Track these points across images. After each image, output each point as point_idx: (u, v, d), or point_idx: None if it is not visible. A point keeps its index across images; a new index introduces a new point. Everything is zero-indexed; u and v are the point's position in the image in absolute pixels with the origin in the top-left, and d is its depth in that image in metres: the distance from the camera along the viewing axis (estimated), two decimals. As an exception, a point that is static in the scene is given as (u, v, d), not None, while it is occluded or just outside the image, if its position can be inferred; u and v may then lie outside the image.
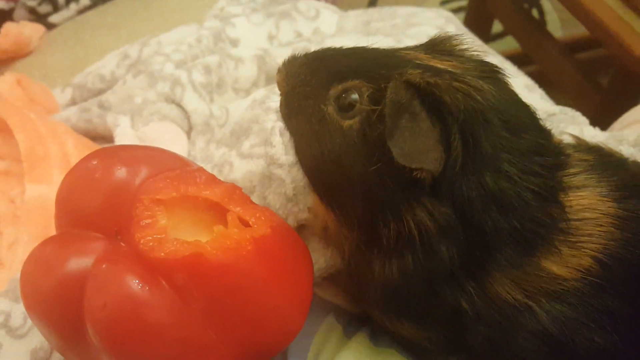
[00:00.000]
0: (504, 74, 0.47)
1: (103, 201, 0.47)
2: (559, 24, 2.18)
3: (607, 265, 0.45)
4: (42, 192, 0.71)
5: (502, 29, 1.82)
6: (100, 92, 0.91)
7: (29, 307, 0.46)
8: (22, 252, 0.66)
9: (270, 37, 0.87)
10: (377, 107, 0.44)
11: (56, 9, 1.17)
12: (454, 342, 0.50)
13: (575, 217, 0.46)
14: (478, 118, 0.42)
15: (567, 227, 0.45)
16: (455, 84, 0.43)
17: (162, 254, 0.43)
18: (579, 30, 1.77)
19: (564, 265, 0.45)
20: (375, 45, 0.51)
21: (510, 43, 1.79)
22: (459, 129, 0.42)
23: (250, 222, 0.47)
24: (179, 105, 0.77)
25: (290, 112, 0.50)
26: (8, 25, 1.05)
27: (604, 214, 0.46)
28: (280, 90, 0.51)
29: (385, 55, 0.48)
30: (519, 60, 1.85)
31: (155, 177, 0.48)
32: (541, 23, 1.84)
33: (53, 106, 0.91)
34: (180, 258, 0.43)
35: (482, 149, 0.42)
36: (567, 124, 0.73)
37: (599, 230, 0.46)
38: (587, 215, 0.46)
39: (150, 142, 0.74)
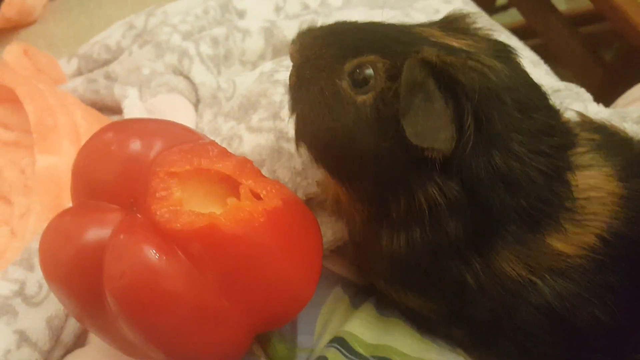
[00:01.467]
0: (517, 54, 0.48)
1: (119, 173, 0.49)
2: (563, -2, 2.17)
3: (610, 242, 0.47)
4: (53, 162, 0.72)
5: (507, 1, 1.81)
6: (106, 62, 0.91)
7: (48, 276, 0.48)
8: (34, 222, 0.67)
9: (277, 9, 0.87)
10: (392, 84, 0.44)
11: (59, -23, 1.16)
12: (457, 313, 0.52)
13: (582, 196, 0.47)
14: (492, 98, 0.43)
15: (573, 205, 0.46)
16: (471, 62, 0.43)
17: (178, 225, 0.45)
18: (583, 3, 1.75)
19: (568, 242, 0.47)
20: (382, 19, 0.52)
21: (515, 16, 1.78)
22: (473, 109, 0.42)
23: (262, 195, 0.48)
24: (187, 78, 0.77)
25: (302, 83, 0.50)
26: (11, -7, 1.04)
27: (608, 192, 0.48)
28: (293, 61, 0.51)
29: (401, 32, 0.48)
30: (522, 33, 1.85)
31: (169, 149, 0.49)
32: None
33: (60, 76, 0.91)
34: (196, 229, 0.44)
35: (494, 129, 0.43)
36: (572, 100, 0.73)
37: (604, 209, 0.47)
38: (593, 194, 0.48)
39: (158, 114, 0.75)
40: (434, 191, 0.44)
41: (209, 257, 0.45)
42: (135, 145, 0.49)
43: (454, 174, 0.44)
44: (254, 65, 0.81)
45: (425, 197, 0.45)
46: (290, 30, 0.79)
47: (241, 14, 0.86)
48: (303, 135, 0.52)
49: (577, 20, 1.83)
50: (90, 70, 0.92)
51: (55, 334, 0.59)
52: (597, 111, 0.75)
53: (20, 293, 0.59)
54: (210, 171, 0.50)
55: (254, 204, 0.47)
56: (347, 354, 0.52)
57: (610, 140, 0.54)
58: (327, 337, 0.56)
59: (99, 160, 0.50)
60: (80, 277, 0.46)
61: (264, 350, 0.54)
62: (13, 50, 0.88)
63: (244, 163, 0.51)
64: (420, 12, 0.81)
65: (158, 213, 0.45)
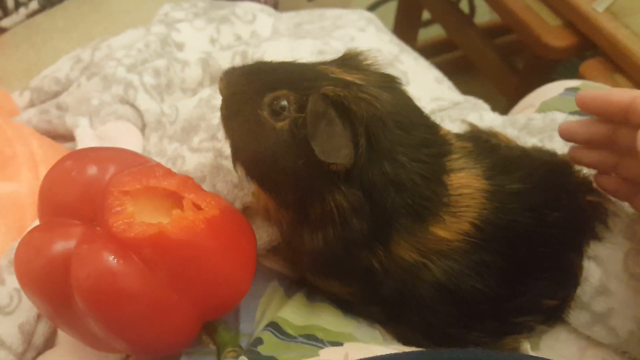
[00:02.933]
0: (401, 83, 0.59)
1: (80, 194, 0.57)
2: (488, 9, 2.32)
3: (481, 228, 0.58)
4: (14, 188, 0.79)
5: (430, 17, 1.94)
6: (56, 94, 0.99)
7: (23, 283, 0.55)
8: (0, 243, 0.75)
9: (212, 41, 0.97)
10: (301, 113, 0.54)
11: (6, 13, 1.22)
12: (371, 294, 0.61)
13: (456, 193, 0.58)
14: (377, 121, 0.53)
15: (448, 200, 0.57)
16: (361, 94, 0.54)
17: (132, 234, 0.53)
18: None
19: (447, 230, 0.57)
20: (304, 47, 0.63)
21: (438, 30, 1.92)
22: (364, 131, 0.53)
23: (202, 206, 0.57)
24: (133, 106, 0.86)
25: (230, 114, 0.60)
26: (-39, 32, 1.10)
27: (477, 189, 0.59)
28: (221, 95, 0.61)
29: (307, 70, 0.58)
30: (445, 46, 2.00)
31: (121, 172, 0.58)
32: (471, 8, 1.96)
33: (13, 109, 0.98)
34: (147, 237, 0.53)
35: (380, 144, 0.53)
36: (469, 111, 0.86)
37: (474, 202, 0.58)
38: (465, 191, 0.58)
39: (109, 140, 0.83)
40: (340, 197, 0.54)
41: (159, 259, 0.53)
42: (92, 170, 0.58)
43: (355, 182, 0.54)
44: (194, 92, 0.90)
45: (334, 202, 0.55)
46: (224, 60, 0.89)
47: (180, 47, 0.95)
48: (236, 156, 0.61)
49: (496, 31, 1.97)
50: (42, 102, 0.99)
51: (27, 338, 0.66)
52: (492, 119, 0.87)
53: (-8, 304, 0.67)
54: (158, 188, 0.58)
55: (195, 213, 0.56)
56: (279, 335, 0.59)
57: (481, 147, 0.65)
58: (264, 323, 0.65)
59: (62, 185, 0.58)
60: (51, 283, 0.53)
61: (211, 337, 0.62)
62: (-31, 86, 0.94)
63: (186, 180, 0.60)
64: (338, 41, 0.91)
65: (114, 225, 0.53)
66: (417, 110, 0.60)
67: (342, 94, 0.53)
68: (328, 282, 0.63)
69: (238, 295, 0.60)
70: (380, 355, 0.49)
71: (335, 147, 0.52)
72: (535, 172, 0.64)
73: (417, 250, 0.57)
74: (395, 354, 0.49)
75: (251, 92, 0.58)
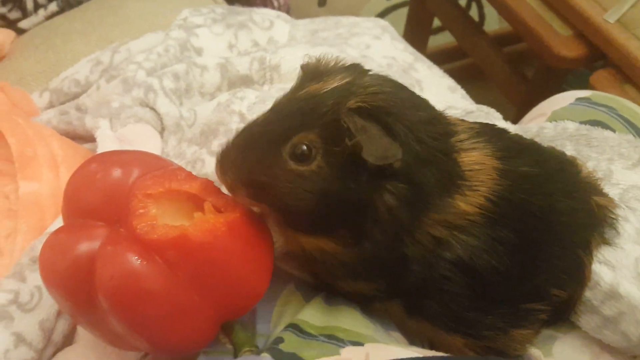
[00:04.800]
0: (367, 69, 0.61)
1: (104, 197, 0.58)
2: (497, 18, 2.34)
3: (496, 203, 0.58)
4: (35, 188, 0.81)
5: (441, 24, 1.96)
6: (75, 95, 1.01)
7: (48, 283, 0.57)
8: (22, 241, 0.76)
9: (230, 46, 0.99)
10: (329, 144, 0.54)
11: (25, 15, 1.24)
12: (396, 286, 0.62)
13: (468, 169, 0.59)
14: (395, 108, 0.55)
15: (464, 175, 0.58)
16: (368, 90, 0.55)
17: (155, 236, 0.54)
18: (510, 24, 1.90)
19: (468, 203, 0.58)
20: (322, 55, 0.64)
21: (447, 37, 1.94)
22: (392, 121, 0.54)
23: (223, 209, 0.59)
24: (153, 109, 0.87)
25: (257, 190, 0.58)
26: (-19, 32, 1.12)
27: (489, 166, 0.59)
28: (226, 184, 0.59)
29: (295, 105, 0.58)
30: (455, 54, 2.02)
31: (144, 175, 0.59)
32: (480, 16, 1.97)
33: (33, 110, 1.00)
34: (170, 239, 0.54)
35: (406, 128, 0.54)
36: (482, 120, 0.86)
37: (487, 178, 0.59)
38: (477, 167, 0.59)
39: (128, 142, 0.85)
40: (390, 195, 0.55)
41: (181, 261, 0.54)
42: (117, 173, 0.59)
43: (398, 173, 0.55)
44: (212, 96, 0.92)
45: (384, 204, 0.55)
46: (242, 66, 0.90)
47: (198, 51, 0.97)
48: (288, 222, 0.60)
49: (505, 39, 1.99)
50: (62, 103, 1.01)
51: (47, 335, 0.68)
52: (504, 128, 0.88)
53: (15, 301, 0.68)
54: (180, 191, 0.60)
55: (216, 216, 0.57)
56: (300, 334, 0.60)
57: (488, 129, 0.66)
58: (281, 326, 0.65)
59: (87, 187, 0.59)
60: (75, 283, 0.55)
61: (228, 336, 0.63)
62: (-11, 87, 0.96)
63: (207, 183, 0.61)
64: (354, 48, 0.93)
65: (138, 227, 0.55)
66: (410, 91, 0.61)
67: (363, 100, 0.54)
68: (356, 284, 0.64)
69: (256, 296, 0.62)
70: (403, 358, 0.50)
71: (383, 149, 0.52)
72: (547, 161, 0.66)
73: (444, 226, 0.58)
74: (417, 358, 0.50)
75: (264, 157, 0.57)
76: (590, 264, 0.65)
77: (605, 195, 0.69)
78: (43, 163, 0.83)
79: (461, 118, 0.67)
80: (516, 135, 0.70)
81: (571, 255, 0.64)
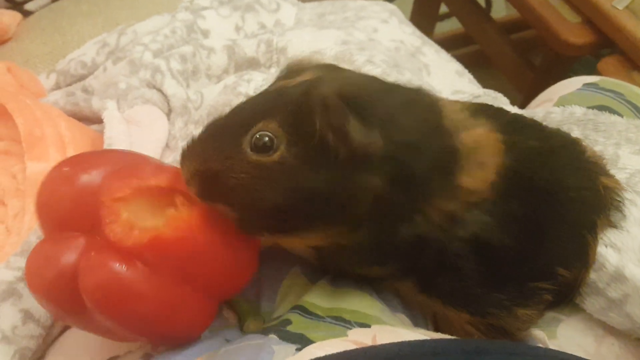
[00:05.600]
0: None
1: (73, 206, 0.56)
2: (503, 4, 2.33)
3: (506, 177, 0.57)
4: (42, 168, 0.81)
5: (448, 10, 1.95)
6: (82, 77, 1.01)
7: (36, 292, 0.56)
8: (29, 220, 0.77)
9: (237, 29, 0.98)
10: (293, 133, 0.51)
11: (31, -4, 1.24)
12: (410, 267, 0.61)
13: (473, 145, 0.57)
14: (367, 95, 0.53)
15: (466, 152, 0.57)
16: (337, 80, 0.53)
17: (130, 242, 0.53)
18: (518, 11, 1.89)
19: (474, 180, 0.57)
20: (327, 38, 0.63)
21: (457, 23, 1.93)
22: (366, 108, 0.52)
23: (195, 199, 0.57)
24: (160, 90, 0.87)
25: (211, 183, 0.55)
26: (-12, 14, 1.13)
27: (495, 140, 0.58)
28: (192, 183, 0.55)
29: (269, 97, 0.57)
30: (462, 40, 2.01)
31: (109, 177, 0.57)
32: (487, 3, 1.96)
33: (40, 91, 1.00)
34: (145, 243, 0.53)
35: (381, 115, 0.52)
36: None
37: (494, 151, 0.58)
38: (483, 142, 0.58)
39: (135, 123, 0.85)
40: (375, 179, 0.53)
41: (160, 261, 0.53)
42: (82, 179, 0.57)
43: (381, 159, 0.52)
44: (219, 78, 0.92)
45: (371, 189, 0.53)
46: (249, 48, 0.90)
47: (205, 34, 0.97)
48: (249, 223, 0.56)
49: (512, 26, 1.98)
50: (68, 85, 1.01)
51: (56, 314, 0.69)
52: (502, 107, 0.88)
53: (23, 278, 0.68)
54: (150, 187, 0.57)
55: (189, 209, 0.55)
56: (307, 315, 0.60)
57: (486, 108, 0.65)
58: (286, 305, 0.66)
59: (55, 199, 0.58)
60: (62, 291, 0.54)
61: (232, 309, 0.65)
62: (-2, 68, 0.96)
63: (177, 173, 0.58)
64: (361, 32, 0.93)
65: (111, 235, 0.54)
66: (383, 82, 0.60)
67: (333, 88, 0.52)
68: (371, 269, 0.63)
69: (247, 274, 0.61)
70: (409, 341, 0.50)
71: (360, 136, 0.50)
72: (550, 137, 0.65)
73: (455, 200, 0.57)
74: (425, 340, 0.50)
75: (224, 147, 0.54)
76: (595, 245, 0.64)
77: (611, 175, 0.69)
78: (51, 144, 0.84)
79: (463, 101, 0.67)
80: (516, 114, 0.69)
81: (577, 234, 0.63)
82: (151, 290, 0.54)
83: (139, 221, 0.55)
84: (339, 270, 0.67)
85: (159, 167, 0.60)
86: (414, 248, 0.59)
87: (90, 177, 0.57)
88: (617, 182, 0.69)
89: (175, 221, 0.54)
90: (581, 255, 0.64)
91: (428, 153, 0.55)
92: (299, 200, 0.53)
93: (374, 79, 0.59)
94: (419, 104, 0.58)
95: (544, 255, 0.62)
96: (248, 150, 0.52)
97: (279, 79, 0.60)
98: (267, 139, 0.52)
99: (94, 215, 0.55)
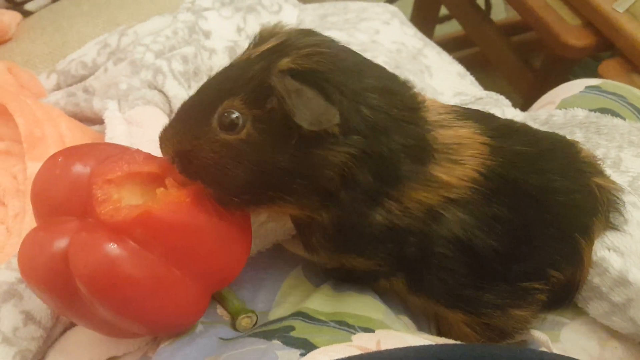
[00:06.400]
0: (319, 33, 0.59)
1: (67, 191, 0.58)
2: (503, 7, 2.33)
3: (488, 177, 0.57)
4: (43, 168, 0.81)
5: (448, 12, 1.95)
6: (83, 78, 1.00)
7: (29, 280, 0.57)
8: (30, 221, 0.76)
9: (239, 30, 0.98)
10: (257, 109, 0.52)
11: (32, -4, 1.24)
12: (395, 258, 0.61)
13: (454, 142, 0.57)
14: (336, 71, 0.52)
15: (443, 147, 0.57)
16: (304, 52, 0.52)
17: (120, 217, 0.54)
18: (518, 14, 1.89)
19: (450, 174, 0.56)
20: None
21: (456, 25, 1.93)
22: (331, 85, 0.51)
23: (187, 184, 0.58)
24: (161, 91, 0.87)
25: (185, 163, 0.57)
26: (-12, 14, 1.12)
27: (477, 141, 0.58)
28: (177, 161, 0.57)
29: (228, 72, 0.57)
30: (462, 42, 2.01)
31: (102, 163, 0.59)
32: (487, 6, 1.96)
33: (40, 91, 1.00)
34: (135, 218, 0.54)
35: (351, 93, 0.52)
36: (491, 107, 0.87)
37: (476, 152, 0.58)
38: (465, 141, 0.58)
39: (136, 124, 0.85)
40: (339, 157, 0.53)
41: (150, 238, 0.54)
42: (76, 166, 0.59)
43: (346, 137, 0.52)
44: (220, 79, 0.91)
45: (335, 167, 0.53)
46: (251, 49, 0.90)
47: (207, 35, 0.97)
48: (221, 199, 0.57)
49: (512, 29, 1.98)
50: (69, 85, 1.01)
51: (56, 314, 0.67)
52: (514, 114, 0.88)
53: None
54: (141, 173, 0.59)
55: (179, 190, 0.57)
56: (309, 321, 0.60)
57: (476, 112, 0.65)
58: (286, 306, 0.65)
59: (50, 185, 0.59)
60: (55, 278, 0.54)
61: (223, 307, 0.65)
62: (-2, 68, 0.96)
63: (167, 162, 0.59)
64: (363, 33, 0.93)
65: (102, 212, 0.55)
66: (362, 57, 0.59)
67: (295, 62, 0.52)
68: (355, 259, 0.63)
69: (238, 262, 0.61)
70: (414, 347, 0.50)
71: (318, 113, 0.50)
72: (540, 141, 0.65)
73: (429, 192, 0.57)
74: (430, 346, 0.50)
75: (192, 129, 0.56)
76: (590, 248, 0.64)
77: (606, 176, 0.69)
78: (51, 144, 0.83)
79: (466, 104, 0.67)
80: (506, 119, 0.69)
81: (567, 237, 0.63)
82: (141, 269, 0.54)
83: (131, 202, 0.57)
84: (336, 269, 0.66)
85: (150, 156, 0.62)
86: (393, 239, 0.59)
87: (84, 166, 0.59)
88: (612, 182, 0.69)
89: (165, 198, 0.56)
90: (573, 257, 0.64)
91: (397, 138, 0.55)
92: (267, 175, 0.54)
93: (345, 51, 0.58)
94: (397, 92, 0.57)
95: (533, 258, 0.62)
96: (217, 128, 0.54)
97: (249, 47, 0.60)
98: (233, 116, 0.53)
99: (86, 198, 0.56)
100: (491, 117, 0.67)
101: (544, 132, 0.71)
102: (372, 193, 0.56)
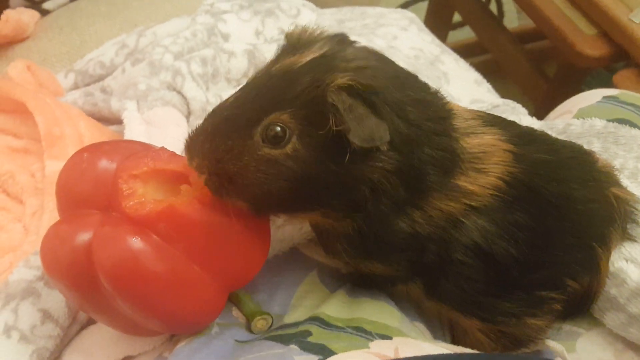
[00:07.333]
0: (353, 40, 0.60)
1: (92, 185, 0.59)
2: (515, 15, 2.33)
3: (511, 184, 0.58)
4: (61, 167, 0.81)
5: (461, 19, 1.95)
6: (100, 77, 1.01)
7: (51, 273, 0.58)
8: (48, 219, 0.77)
9: (257, 33, 0.99)
10: (306, 124, 0.52)
11: (50, -4, 1.25)
12: (415, 264, 0.61)
13: (478, 150, 0.58)
14: (382, 87, 0.52)
15: (469, 157, 0.57)
16: (353, 65, 0.52)
17: (144, 211, 0.55)
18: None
19: (475, 183, 0.57)
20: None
21: (470, 32, 1.93)
22: (379, 101, 0.51)
23: None
24: (180, 93, 0.88)
25: (224, 181, 0.55)
26: (8, 12, 1.12)
27: (502, 149, 0.59)
28: (202, 173, 0.55)
29: (277, 82, 0.54)
30: (475, 49, 2.01)
31: (128, 158, 0.60)
32: (499, 14, 1.96)
33: (58, 90, 1.01)
34: (159, 212, 0.55)
35: (392, 108, 0.52)
36: (508, 115, 0.86)
37: (500, 160, 0.58)
38: (489, 149, 0.58)
39: (155, 125, 0.85)
40: (377, 171, 0.53)
41: (173, 232, 0.55)
42: (102, 161, 0.60)
43: (386, 152, 0.53)
44: (238, 82, 0.92)
45: (372, 179, 0.54)
46: (270, 53, 0.90)
47: (226, 37, 0.97)
48: (257, 211, 0.57)
49: (525, 36, 1.98)
50: (87, 85, 1.01)
51: (73, 312, 0.68)
52: (530, 123, 0.88)
53: (42, 277, 0.68)
54: (166, 171, 0.60)
55: (203, 187, 0.57)
56: (326, 327, 0.61)
57: (498, 119, 0.65)
58: (302, 310, 0.66)
59: (76, 179, 0.60)
60: (77, 269, 0.55)
61: (239, 309, 0.65)
62: (17, 66, 0.96)
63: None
64: (382, 39, 0.93)
65: (127, 206, 0.56)
66: (397, 66, 0.59)
67: (352, 78, 0.51)
68: (372, 264, 0.63)
69: (256, 263, 0.62)
70: (433, 355, 0.50)
71: (371, 131, 0.49)
72: (559, 149, 0.65)
73: (453, 201, 0.57)
74: (448, 355, 0.50)
75: (236, 143, 0.54)
76: (607, 257, 0.64)
77: (623, 187, 0.69)
78: (70, 143, 0.84)
79: (484, 110, 0.67)
80: (527, 126, 0.69)
81: (585, 246, 0.63)
82: (163, 263, 0.55)
83: (154, 197, 0.58)
84: (353, 274, 0.67)
85: (174, 154, 0.63)
86: (413, 246, 0.59)
87: (109, 161, 0.60)
88: (629, 193, 0.69)
89: (190, 195, 0.57)
90: (590, 266, 0.64)
91: (428, 151, 0.55)
92: (305, 189, 0.54)
93: (386, 62, 0.58)
94: (431, 103, 0.58)
95: (551, 266, 0.62)
96: (261, 143, 0.53)
97: (280, 54, 0.60)
98: (279, 129, 0.52)
99: (111, 192, 0.57)
100: (513, 123, 0.67)
101: (563, 140, 0.71)
102: (401, 204, 0.56)
